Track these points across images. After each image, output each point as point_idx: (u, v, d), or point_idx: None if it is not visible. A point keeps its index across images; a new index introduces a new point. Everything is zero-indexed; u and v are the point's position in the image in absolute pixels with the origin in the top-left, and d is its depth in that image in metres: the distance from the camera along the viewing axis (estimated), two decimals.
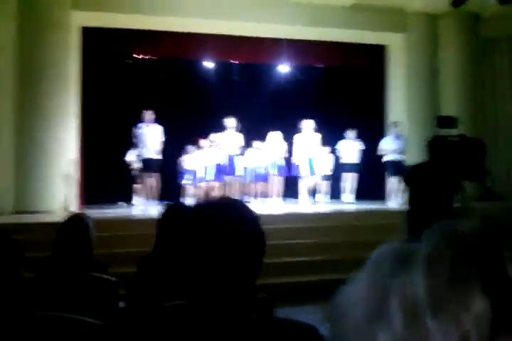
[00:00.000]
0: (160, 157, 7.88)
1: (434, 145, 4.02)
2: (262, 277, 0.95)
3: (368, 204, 8.24)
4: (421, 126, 8.45)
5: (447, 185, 3.83)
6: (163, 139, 7.90)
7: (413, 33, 8.96)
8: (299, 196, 8.55)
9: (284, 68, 10.28)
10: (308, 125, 8.29)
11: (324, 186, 9.15)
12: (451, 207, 3.83)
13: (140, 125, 7.85)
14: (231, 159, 8.11)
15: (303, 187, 8.41)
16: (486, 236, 0.36)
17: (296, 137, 8.37)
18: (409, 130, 8.70)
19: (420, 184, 3.85)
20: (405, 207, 3.98)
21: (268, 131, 8.80)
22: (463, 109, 8.32)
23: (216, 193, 8.20)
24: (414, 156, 7.92)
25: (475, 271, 0.34)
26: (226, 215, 0.95)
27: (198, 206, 1.03)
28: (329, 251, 5.00)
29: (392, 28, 8.97)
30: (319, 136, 8.42)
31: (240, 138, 8.19)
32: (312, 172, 8.28)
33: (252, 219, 0.96)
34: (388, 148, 8.11)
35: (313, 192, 8.78)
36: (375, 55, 9.50)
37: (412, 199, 3.91)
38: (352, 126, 9.10)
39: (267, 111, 10.59)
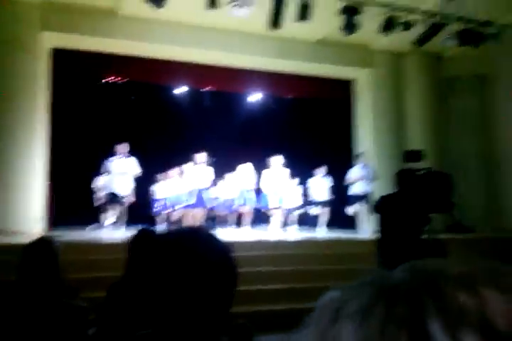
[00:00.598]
0: (126, 192, 7.74)
1: (402, 178, 4.15)
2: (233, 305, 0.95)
3: (340, 232, 8.38)
4: (387, 159, 8.71)
5: (416, 216, 3.94)
6: (140, 171, 7.85)
7: (379, 69, 9.31)
8: (269, 226, 8.62)
9: (255, 97, 10.49)
10: (276, 161, 8.43)
11: (295, 217, 9.23)
12: (420, 238, 3.92)
13: (111, 158, 7.77)
14: (200, 193, 8.05)
15: (273, 218, 8.51)
16: (412, 291, 0.35)
17: (265, 172, 8.47)
18: (376, 163, 8.92)
19: (390, 214, 3.95)
20: (376, 235, 4.06)
21: (239, 160, 8.90)
22: (428, 143, 8.63)
23: (185, 220, 8.23)
24: (381, 188, 8.13)
25: (403, 328, 0.33)
26: (198, 244, 0.95)
27: (169, 234, 1.04)
28: (301, 279, 5.00)
29: (358, 64, 9.30)
30: (287, 170, 8.53)
31: (210, 172, 8.16)
32: (280, 203, 8.37)
33: (223, 250, 0.97)
34: (355, 176, 8.23)
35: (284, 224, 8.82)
36: (344, 88, 9.77)
37: (383, 229, 3.99)
38: (321, 159, 9.24)
39: (238, 140, 10.72)
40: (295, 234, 8.42)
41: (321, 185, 8.98)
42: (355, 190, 8.24)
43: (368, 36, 8.21)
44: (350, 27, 7.16)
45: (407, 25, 7.34)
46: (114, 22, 7.72)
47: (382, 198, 4.17)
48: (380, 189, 8.28)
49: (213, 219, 9.27)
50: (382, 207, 4.06)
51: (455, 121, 9.46)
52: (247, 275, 4.29)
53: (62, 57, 7.91)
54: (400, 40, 8.02)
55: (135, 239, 2.51)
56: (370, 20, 6.96)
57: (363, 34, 7.47)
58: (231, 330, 1.04)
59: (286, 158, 8.84)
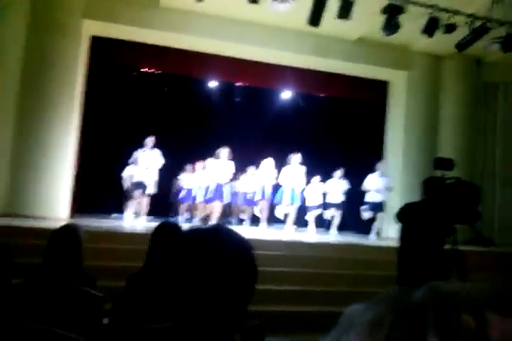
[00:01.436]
0: (151, 182, 7.93)
1: (429, 186, 4.07)
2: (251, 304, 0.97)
3: (355, 237, 8.40)
4: (416, 165, 8.57)
5: (440, 226, 3.87)
6: (163, 162, 8.01)
7: (416, 72, 9.12)
8: (285, 224, 8.67)
9: (286, 94, 10.45)
10: (295, 159, 8.52)
11: (312, 217, 9.23)
12: (442, 249, 3.85)
13: (140, 150, 7.99)
14: (220, 187, 8.23)
15: (278, 213, 8.69)
16: (421, 308, 0.37)
17: (284, 169, 8.56)
18: (403, 167, 8.79)
19: (413, 222, 3.88)
20: (397, 244, 4.00)
21: (264, 154, 8.94)
22: (460, 151, 8.43)
23: (205, 213, 8.44)
24: (407, 194, 8.02)
25: (405, 339, 0.35)
26: (219, 239, 0.96)
27: (192, 230, 1.06)
28: (315, 282, 4.99)
29: (395, 65, 9.12)
30: (304, 168, 8.58)
31: (231, 167, 8.34)
32: (292, 202, 8.43)
33: (244, 246, 0.98)
34: (371, 184, 8.31)
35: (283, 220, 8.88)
36: (378, 90, 9.63)
37: (404, 237, 3.93)
38: (348, 160, 9.17)
39: (265, 136, 10.73)
40: (312, 235, 8.43)
41: (336, 187, 8.96)
42: (370, 197, 8.30)
43: (408, 37, 8.06)
44: (391, 27, 7.02)
45: (450, 28, 7.14)
46: (154, 13, 7.79)
47: (407, 206, 4.10)
48: (405, 194, 8.20)
49: (229, 215, 9.42)
50: (405, 215, 4.00)
51: (491, 131, 9.22)
52: (261, 275, 4.30)
53: (99, 45, 8.04)
54: (441, 42, 7.83)
55: (157, 231, 2.55)
56: (411, 21, 6.80)
57: (402, 35, 7.32)
58: (245, 330, 1.05)
59: (312, 156, 8.81)
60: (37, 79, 7.19)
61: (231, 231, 1.02)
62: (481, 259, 5.86)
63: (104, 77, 9.04)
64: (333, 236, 8.58)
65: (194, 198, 8.78)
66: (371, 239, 8.28)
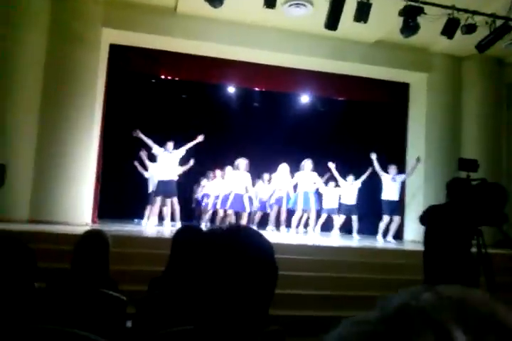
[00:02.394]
0: (175, 180, 8.07)
1: (454, 188, 3.99)
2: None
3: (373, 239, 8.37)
4: (439, 167, 8.47)
5: (466, 229, 3.78)
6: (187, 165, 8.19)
7: (436, 73, 9.02)
8: (308, 228, 8.75)
9: (305, 98, 10.44)
10: (307, 165, 8.61)
11: (338, 220, 9.29)
12: (468, 252, 3.77)
13: (161, 150, 8.12)
14: (240, 197, 8.31)
15: (294, 219, 8.71)
16: (407, 316, 0.37)
17: (297, 175, 8.67)
18: (426, 170, 8.69)
19: (438, 225, 3.81)
20: (423, 246, 3.93)
21: (283, 159, 8.98)
22: (483, 152, 8.29)
23: (227, 220, 8.46)
24: (431, 195, 7.91)
25: None
26: (240, 241, 0.94)
27: (213, 231, 1.04)
28: (337, 287, 4.92)
29: (415, 67, 9.04)
30: (315, 174, 8.68)
31: (247, 178, 8.40)
32: (305, 207, 8.53)
33: (266, 247, 0.96)
34: (385, 186, 8.38)
35: (304, 225, 8.97)
36: (398, 92, 9.55)
37: (429, 241, 3.86)
38: (369, 162, 9.13)
39: (284, 140, 10.74)
40: (333, 238, 8.46)
41: (350, 188, 9.01)
42: (385, 196, 8.31)
43: (427, 38, 7.98)
44: (409, 29, 6.95)
45: (470, 28, 7.03)
46: (172, 20, 7.87)
47: (431, 208, 4.03)
48: (429, 196, 8.09)
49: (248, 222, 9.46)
50: (430, 217, 3.92)
51: None
52: (284, 279, 4.26)
53: (117, 53, 8.15)
54: (461, 43, 7.73)
55: (178, 235, 2.54)
56: (430, 22, 6.73)
57: (421, 36, 7.24)
58: (265, 334, 1.03)
59: (332, 160, 8.79)
60: (58, 88, 7.31)
61: (252, 231, 1.00)
62: (508, 262, 5.72)
63: (123, 84, 9.16)
64: (355, 240, 8.58)
65: (215, 205, 8.83)
66: (379, 241, 8.29)
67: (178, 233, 2.52)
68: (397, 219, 8.30)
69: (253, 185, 9.08)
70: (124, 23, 7.70)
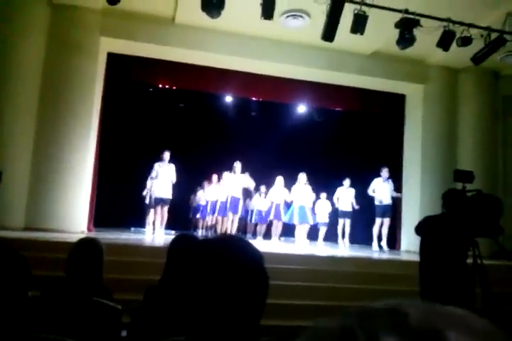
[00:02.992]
0: (170, 196, 8.18)
1: (450, 198, 4.01)
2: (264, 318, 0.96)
3: (368, 249, 8.47)
4: (435, 178, 8.50)
5: (461, 240, 3.79)
6: (175, 179, 8.21)
7: (432, 85, 9.08)
8: (296, 240, 8.90)
9: (301, 108, 10.50)
10: (302, 178, 8.80)
11: (322, 232, 9.57)
12: (464, 263, 3.77)
13: (157, 164, 8.23)
14: (236, 201, 8.44)
15: (297, 232, 8.85)
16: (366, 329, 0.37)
17: (293, 188, 8.85)
18: (422, 181, 8.72)
19: (433, 236, 3.81)
20: (419, 257, 3.93)
21: (280, 170, 9.11)
22: (479, 164, 8.34)
23: (221, 227, 8.53)
24: (426, 206, 7.94)
25: None
26: (230, 251, 0.95)
27: (204, 240, 1.05)
28: (332, 297, 4.91)
29: (411, 79, 9.10)
30: (309, 188, 8.89)
31: (244, 181, 8.53)
32: (302, 221, 8.69)
33: (256, 258, 0.96)
34: (377, 189, 8.56)
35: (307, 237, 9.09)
36: (394, 103, 9.60)
37: (425, 251, 3.86)
38: (365, 173, 9.22)
39: (281, 150, 10.79)
40: (325, 248, 8.51)
41: (346, 195, 9.28)
42: (377, 200, 8.51)
43: (423, 50, 8.05)
44: (405, 41, 7.02)
45: (466, 41, 7.11)
46: (170, 30, 7.92)
47: (427, 219, 4.04)
48: (424, 207, 8.10)
49: (244, 233, 9.50)
50: (425, 228, 3.93)
51: (511, 142, 9.09)
52: (278, 289, 4.25)
53: (115, 61, 8.17)
54: (457, 55, 7.80)
55: (173, 244, 2.54)
56: (426, 34, 6.80)
57: (418, 48, 7.31)
58: None
59: (329, 171, 8.87)
60: (55, 96, 7.32)
61: (242, 240, 1.01)
62: (504, 273, 5.71)
63: (121, 93, 9.19)
64: (345, 246, 8.95)
65: (212, 212, 8.88)
66: (374, 249, 8.43)
67: (174, 242, 2.52)
68: (386, 221, 8.46)
69: (250, 198, 9.22)
70: (122, 32, 7.73)
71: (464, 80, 9.16)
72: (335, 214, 9.61)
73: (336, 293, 5.05)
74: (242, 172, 8.55)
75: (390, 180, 8.66)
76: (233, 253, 0.95)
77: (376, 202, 8.53)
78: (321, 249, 8.26)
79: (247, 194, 8.99)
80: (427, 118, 9.05)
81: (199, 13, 6.47)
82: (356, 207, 9.29)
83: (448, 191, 4.09)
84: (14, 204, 6.91)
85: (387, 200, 8.50)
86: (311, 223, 8.92)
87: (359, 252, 7.86)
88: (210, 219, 9.19)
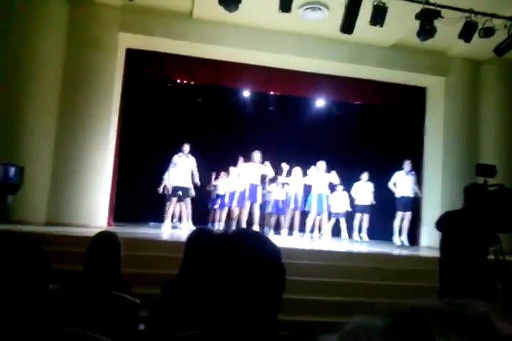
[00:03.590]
0: (190, 185, 8.17)
1: (471, 193, 3.94)
2: (282, 313, 0.95)
3: (386, 244, 8.41)
4: (457, 172, 8.35)
5: (483, 235, 3.72)
6: (196, 170, 8.20)
7: (454, 77, 8.92)
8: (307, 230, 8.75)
9: (320, 102, 10.42)
10: (320, 166, 8.62)
11: (342, 223, 9.60)
12: (485, 259, 3.70)
13: (177, 155, 8.19)
14: (254, 188, 8.42)
15: (309, 222, 8.67)
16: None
17: (311, 175, 8.72)
18: (443, 175, 8.59)
19: (454, 231, 3.75)
20: (439, 253, 3.87)
21: (296, 164, 9.02)
22: (502, 158, 8.15)
23: (238, 217, 8.53)
24: (447, 201, 7.83)
25: None
26: (247, 246, 0.95)
27: (221, 235, 1.05)
28: (349, 293, 4.88)
29: (432, 71, 8.95)
30: (330, 176, 8.67)
31: (262, 169, 8.51)
32: (319, 210, 8.53)
33: (274, 252, 0.96)
34: (399, 182, 8.49)
35: (318, 229, 8.98)
36: (415, 96, 9.46)
37: (445, 247, 3.80)
38: (386, 166, 9.11)
39: (300, 144, 10.73)
40: (343, 243, 8.46)
41: (365, 189, 9.21)
42: (399, 193, 8.41)
43: (444, 42, 7.90)
44: (426, 32, 6.89)
45: (488, 32, 6.95)
46: (188, 25, 7.92)
47: (448, 214, 3.97)
48: (446, 201, 7.98)
49: (262, 225, 9.43)
50: (446, 223, 3.87)
51: None
52: (295, 284, 4.24)
53: (134, 57, 8.21)
54: (479, 46, 7.63)
55: (191, 239, 2.54)
56: (447, 25, 6.66)
57: (439, 40, 7.17)
58: (275, 340, 1.03)
59: (349, 164, 8.77)
60: (75, 93, 7.41)
61: (258, 235, 1.00)
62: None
63: (139, 88, 9.23)
64: (363, 240, 8.89)
65: (230, 202, 8.84)
66: (396, 243, 8.36)
67: (191, 237, 2.52)
68: (408, 215, 8.38)
69: (267, 187, 9.16)
70: (140, 27, 7.76)
71: (486, 72, 8.96)
72: (352, 209, 9.56)
73: (354, 288, 5.02)
74: (262, 162, 8.51)
75: (412, 173, 8.57)
76: (249, 248, 0.95)
77: (397, 195, 8.43)
78: (339, 243, 8.20)
79: (263, 183, 8.96)
80: (449, 111, 8.89)
81: (216, 7, 6.45)
82: (373, 202, 9.23)
83: (469, 185, 4.02)
84: (36, 200, 7.03)
85: (409, 193, 8.40)
86: (326, 213, 8.76)
87: (378, 247, 7.80)
88: (227, 210, 9.18)
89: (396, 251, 7.25)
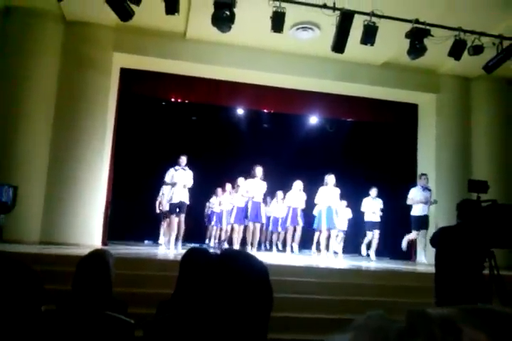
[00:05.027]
0: (187, 201, 7.83)
1: (464, 209, 3.96)
2: (277, 331, 0.96)
3: (392, 262, 8.13)
4: (449, 189, 8.40)
5: (477, 251, 3.73)
6: (190, 184, 7.88)
7: (445, 94, 9.03)
8: (313, 247, 8.66)
9: (313, 119, 10.50)
10: (330, 179, 8.33)
11: (340, 239, 9.35)
12: (480, 274, 3.71)
13: (175, 168, 7.90)
14: (257, 206, 8.18)
15: (321, 239, 8.33)
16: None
17: (321, 190, 8.37)
18: (436, 191, 8.61)
19: (449, 247, 3.76)
20: (434, 269, 3.87)
21: (293, 179, 8.94)
22: (494, 173, 8.22)
23: (237, 236, 8.31)
24: (441, 217, 7.85)
25: None
26: (236, 267, 0.97)
27: (214, 257, 1.06)
28: (349, 310, 4.84)
29: (423, 88, 9.06)
30: (338, 190, 8.40)
31: (264, 186, 8.32)
32: (330, 226, 8.17)
33: (261, 272, 0.98)
34: (416, 198, 8.09)
35: (326, 245, 8.59)
36: (406, 113, 9.56)
37: (440, 263, 3.81)
38: (379, 182, 9.12)
39: (293, 161, 10.77)
40: (343, 260, 8.30)
41: (373, 205, 8.89)
42: (415, 211, 8.08)
43: (434, 60, 8.03)
44: (416, 51, 6.99)
45: (477, 50, 7.07)
46: (181, 45, 8.02)
47: (442, 230, 3.99)
48: (440, 216, 8.01)
49: (261, 241, 9.36)
50: (440, 239, 3.88)
51: None
52: (293, 302, 4.21)
53: (128, 76, 8.27)
54: (469, 64, 7.76)
55: (185, 258, 2.54)
56: (437, 44, 6.78)
57: (429, 57, 7.28)
58: None
59: (342, 181, 8.77)
60: (69, 113, 7.43)
61: (247, 255, 1.02)
62: None
63: (134, 106, 9.30)
64: (372, 257, 8.50)
65: (228, 220, 8.71)
66: (419, 262, 8.08)
67: (185, 256, 2.52)
68: (424, 233, 7.92)
69: (266, 204, 9.07)
70: (134, 47, 7.85)
71: (476, 89, 9.10)
72: (359, 225, 9.30)
73: (350, 305, 4.98)
74: (263, 178, 8.25)
75: (428, 188, 8.22)
76: (238, 268, 0.96)
77: (414, 213, 8.07)
78: (352, 261, 7.95)
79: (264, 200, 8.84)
80: (440, 127, 8.99)
81: (210, 27, 6.54)
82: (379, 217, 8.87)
83: (462, 201, 4.04)
84: (30, 219, 6.99)
85: (425, 210, 8.03)
86: (339, 228, 8.54)
87: (394, 265, 7.63)
88: (225, 228, 9.12)
89: (392, 267, 7.22)
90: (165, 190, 8.35)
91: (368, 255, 8.91)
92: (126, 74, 8.26)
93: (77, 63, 7.51)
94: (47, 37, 7.40)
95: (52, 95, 7.41)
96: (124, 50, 7.86)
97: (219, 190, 9.52)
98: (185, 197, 7.77)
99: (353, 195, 9.45)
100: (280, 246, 9.27)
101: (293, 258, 7.82)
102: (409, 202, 8.15)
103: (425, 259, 8.03)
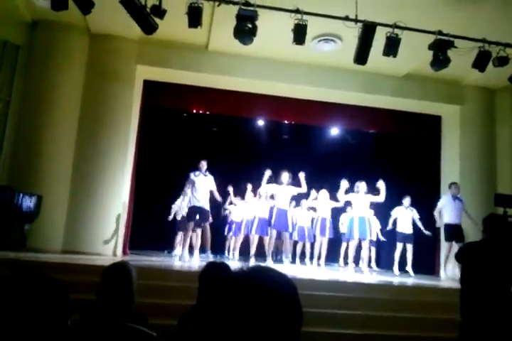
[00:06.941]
0: (207, 206, 7.47)
1: (490, 224, 3.87)
2: None
3: (418, 278, 7.79)
4: (474, 203, 8.14)
5: (504, 267, 3.63)
6: (215, 188, 7.58)
7: (469, 106, 8.92)
8: (341, 259, 8.43)
9: (334, 131, 10.44)
10: (362, 186, 7.88)
11: (372, 252, 9.05)
12: (508, 291, 3.60)
13: (195, 173, 7.58)
14: (284, 214, 7.74)
15: (350, 251, 7.96)
16: None
17: (351, 197, 7.93)
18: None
19: (475, 263, 3.67)
20: (460, 285, 3.77)
21: (312, 190, 8.74)
22: None
23: (255, 246, 8.09)
24: (467, 231, 7.64)
25: None
26: (267, 282, 0.95)
27: (239, 271, 1.05)
28: (371, 325, 4.75)
29: (447, 100, 8.96)
30: (371, 197, 7.89)
31: (291, 191, 7.92)
32: (362, 236, 7.68)
33: (290, 289, 0.96)
34: (445, 205, 7.72)
35: (355, 258, 8.27)
36: (430, 124, 9.44)
37: (466, 279, 3.71)
38: (402, 194, 8.93)
39: (312, 172, 10.68)
40: (374, 275, 7.97)
41: (405, 216, 8.39)
42: (446, 220, 7.66)
43: (458, 71, 7.94)
44: (440, 62, 6.92)
45: (502, 61, 6.97)
46: (203, 57, 8.12)
47: (466, 246, 3.90)
48: (466, 231, 7.81)
49: (281, 252, 9.15)
50: (466, 255, 3.79)
51: None
52: (315, 317, 4.14)
53: (151, 88, 8.37)
54: (493, 75, 7.65)
55: (204, 273, 2.53)
56: (461, 55, 6.70)
57: (453, 69, 7.19)
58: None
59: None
60: (93, 125, 7.57)
61: (275, 272, 1.00)
62: None
63: (156, 118, 9.38)
64: (410, 273, 8.10)
65: (248, 230, 8.45)
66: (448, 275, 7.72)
67: (204, 272, 2.51)
68: (457, 245, 7.22)
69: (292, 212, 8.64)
70: (157, 60, 7.97)
71: (501, 100, 8.98)
72: (391, 238, 8.88)
73: (373, 321, 4.89)
74: (289, 183, 7.87)
75: (460, 198, 7.71)
76: (266, 285, 0.95)
77: (445, 223, 7.63)
78: (361, 275, 7.51)
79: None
80: (465, 139, 8.85)
81: (232, 40, 6.59)
82: (426, 232, 8.19)
83: (488, 216, 3.95)
84: (53, 228, 7.10)
85: (457, 219, 7.54)
86: (372, 238, 8.03)
87: (424, 280, 7.32)
88: (242, 238, 8.94)
89: (415, 282, 7.06)
90: (184, 195, 8.01)
91: (407, 271, 8.24)
92: (149, 86, 8.37)
93: (102, 75, 7.65)
94: (72, 49, 7.58)
95: (76, 106, 7.56)
96: (147, 62, 7.99)
97: (237, 199, 9.42)
98: (204, 203, 7.41)
99: (375, 208, 9.31)
100: (297, 258, 9.06)
101: (321, 272, 7.46)
102: (436, 211, 7.75)
103: (449, 272, 7.78)
